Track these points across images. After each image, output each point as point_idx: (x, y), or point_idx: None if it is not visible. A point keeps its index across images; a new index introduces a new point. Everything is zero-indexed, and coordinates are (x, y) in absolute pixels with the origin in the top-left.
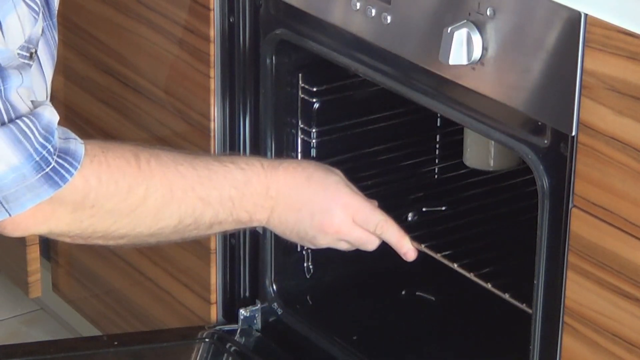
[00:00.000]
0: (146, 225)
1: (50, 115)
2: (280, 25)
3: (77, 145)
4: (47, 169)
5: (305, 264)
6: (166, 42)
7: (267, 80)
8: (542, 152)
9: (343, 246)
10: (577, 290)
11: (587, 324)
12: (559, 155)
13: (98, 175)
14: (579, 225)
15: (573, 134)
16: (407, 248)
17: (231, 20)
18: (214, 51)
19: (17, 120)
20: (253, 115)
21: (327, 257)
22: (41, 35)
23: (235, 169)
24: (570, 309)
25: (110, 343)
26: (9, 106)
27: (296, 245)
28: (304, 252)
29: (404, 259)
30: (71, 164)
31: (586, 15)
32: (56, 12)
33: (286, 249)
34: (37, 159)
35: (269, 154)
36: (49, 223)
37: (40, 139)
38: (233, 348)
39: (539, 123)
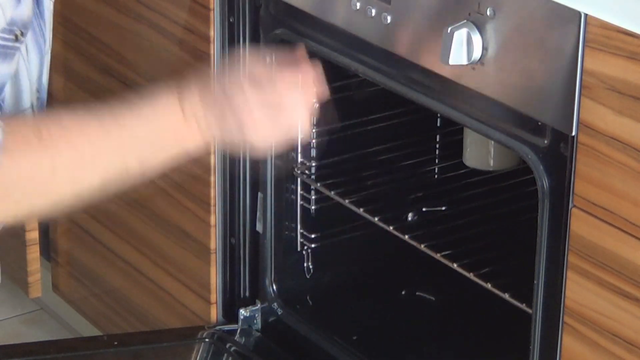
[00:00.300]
0: (66, 193)
1: None
2: (280, 25)
3: None
4: None
5: (305, 264)
6: (166, 42)
7: None
8: (542, 152)
9: (303, 117)
10: (577, 290)
11: (587, 324)
12: (559, 155)
13: None
14: (579, 225)
15: (573, 134)
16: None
17: (231, 20)
18: (214, 51)
19: None
20: None
21: (327, 257)
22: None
23: (138, 109)
24: (570, 309)
25: (110, 343)
26: None
27: (296, 245)
28: (303, 252)
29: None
30: None
31: (586, 15)
32: (49, 3)
33: (286, 249)
34: None
35: (269, 154)
36: None
37: None
38: (233, 348)
39: (539, 123)
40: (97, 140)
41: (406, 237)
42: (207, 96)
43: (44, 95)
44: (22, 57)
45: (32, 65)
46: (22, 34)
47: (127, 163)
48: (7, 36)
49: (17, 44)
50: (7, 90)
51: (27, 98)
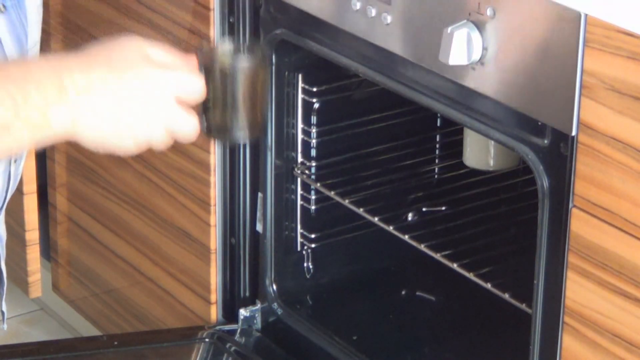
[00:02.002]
0: None
1: None
2: (280, 25)
3: None
4: None
5: (305, 264)
6: (166, 42)
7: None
8: (542, 152)
9: (162, 138)
10: (577, 290)
11: (587, 324)
12: (559, 155)
13: None
14: (579, 225)
15: (573, 134)
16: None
17: (231, 20)
18: None
19: None
20: None
21: (327, 257)
22: (3, 12)
23: (12, 64)
24: (570, 309)
25: (110, 343)
26: None
27: (296, 245)
28: (303, 252)
29: None
30: None
31: (586, 15)
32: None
33: (286, 249)
34: None
35: (268, 154)
36: None
37: None
38: (233, 348)
39: (539, 123)
40: None
41: (406, 237)
42: (102, 78)
43: None
44: None
45: (10, 59)
46: None
47: None
48: None
49: None
50: None
51: None
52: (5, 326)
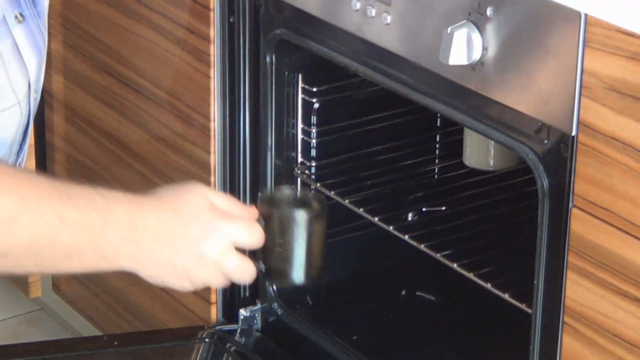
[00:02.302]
0: None
1: None
2: (280, 25)
3: None
4: None
5: None
6: (166, 42)
7: (267, 80)
8: (542, 152)
9: (219, 281)
10: (577, 290)
11: (587, 324)
12: (559, 155)
13: None
14: (579, 225)
15: (573, 134)
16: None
17: (231, 20)
18: (214, 51)
19: None
20: (253, 115)
21: (327, 257)
22: (21, 22)
23: (96, 194)
24: (570, 309)
25: (110, 343)
26: None
27: None
28: None
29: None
30: None
31: (586, 15)
32: (45, 2)
33: None
34: None
35: (269, 154)
36: None
37: None
38: (233, 348)
39: (539, 123)
40: (45, 197)
41: (406, 237)
42: (166, 228)
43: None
44: (0, 64)
45: (30, 68)
46: None
47: (61, 238)
48: None
49: None
50: None
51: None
52: None
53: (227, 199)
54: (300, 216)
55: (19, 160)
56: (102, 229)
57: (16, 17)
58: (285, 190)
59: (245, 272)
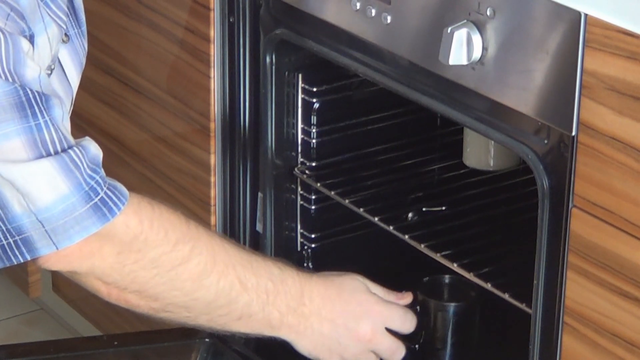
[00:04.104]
0: (183, 289)
1: (96, 149)
2: (280, 25)
3: (121, 185)
4: (96, 199)
5: (305, 264)
6: (166, 42)
7: (267, 80)
8: (542, 152)
9: (371, 358)
10: (577, 290)
11: (587, 324)
12: (559, 155)
13: (150, 219)
14: (579, 225)
15: (573, 134)
16: None
17: (231, 20)
18: (214, 51)
19: (69, 150)
20: (253, 115)
21: (327, 257)
22: (66, 42)
23: (273, 265)
24: (570, 309)
25: (110, 343)
26: (62, 136)
27: (296, 245)
28: (303, 252)
29: None
30: (119, 199)
31: (586, 15)
32: (84, 19)
33: (286, 249)
34: (87, 188)
35: (269, 153)
36: (94, 260)
37: (89, 170)
38: (233, 348)
39: (539, 123)
40: (232, 262)
41: (406, 237)
42: (330, 305)
43: None
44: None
45: (74, 86)
46: (52, 69)
47: (238, 300)
48: (48, 72)
49: (49, 77)
50: None
51: None
52: None
53: (383, 289)
54: (454, 309)
55: None
56: (275, 297)
57: (62, 38)
58: (444, 279)
59: (396, 354)
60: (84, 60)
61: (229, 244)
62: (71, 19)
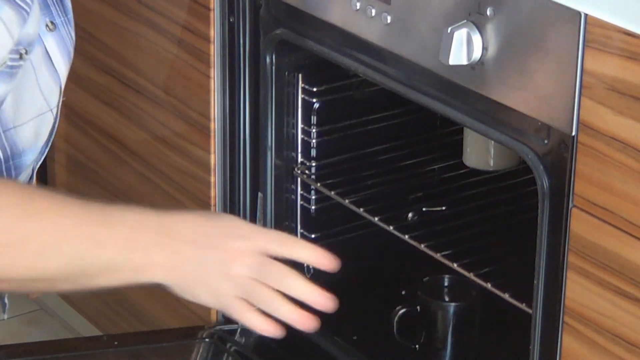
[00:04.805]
0: (31, 266)
1: None
2: (280, 25)
3: None
4: None
5: (305, 265)
6: (166, 42)
7: (267, 80)
8: (542, 152)
9: (260, 291)
10: (577, 290)
11: (587, 324)
12: (559, 155)
13: None
14: (579, 225)
15: (573, 134)
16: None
17: (231, 20)
18: (214, 51)
19: None
20: (253, 115)
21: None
22: (53, 31)
23: (127, 210)
24: (570, 309)
25: (110, 343)
26: None
27: None
28: None
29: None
30: None
31: (586, 15)
32: (70, 7)
33: None
34: None
35: (269, 154)
36: None
37: None
38: (233, 348)
39: (539, 123)
40: (79, 222)
41: (406, 237)
42: (198, 230)
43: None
44: (31, 72)
45: (61, 75)
46: (27, 52)
47: (99, 258)
48: (13, 56)
49: (20, 62)
50: (8, 103)
51: (30, 110)
52: (5, 316)
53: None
54: (455, 308)
55: (38, 163)
56: (137, 242)
57: (47, 25)
58: (444, 279)
59: (288, 279)
60: (72, 50)
61: (76, 206)
62: (57, 7)
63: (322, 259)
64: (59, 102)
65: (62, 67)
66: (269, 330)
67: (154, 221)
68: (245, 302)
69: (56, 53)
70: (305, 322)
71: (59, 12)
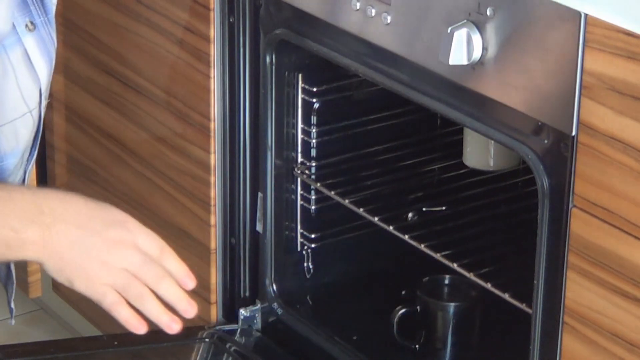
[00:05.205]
0: None
1: None
2: (280, 25)
3: None
4: None
5: (305, 264)
6: (166, 42)
7: (267, 80)
8: (542, 152)
9: (120, 279)
10: (577, 290)
11: (587, 324)
12: (559, 155)
13: None
14: (579, 225)
15: (573, 134)
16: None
17: (231, 20)
18: (214, 51)
19: None
20: (253, 115)
21: (327, 257)
22: (32, 31)
23: None
24: (570, 308)
25: (110, 343)
26: None
27: (296, 245)
28: (303, 252)
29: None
30: None
31: (586, 15)
32: (53, 8)
33: (286, 249)
34: None
35: (269, 154)
36: None
37: None
38: (233, 348)
39: (539, 123)
40: None
41: (406, 237)
42: (76, 210)
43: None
44: (10, 72)
45: (41, 76)
46: None
47: None
48: None
49: None
50: None
51: (9, 111)
52: (13, 322)
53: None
54: (455, 308)
55: (29, 167)
56: (4, 217)
57: (27, 25)
58: (444, 280)
59: (150, 239)
60: (53, 53)
61: None
62: (37, 6)
63: (187, 279)
64: (40, 105)
65: (43, 69)
66: (135, 325)
67: (26, 196)
68: (117, 293)
69: (36, 53)
70: (171, 326)
71: (39, 12)
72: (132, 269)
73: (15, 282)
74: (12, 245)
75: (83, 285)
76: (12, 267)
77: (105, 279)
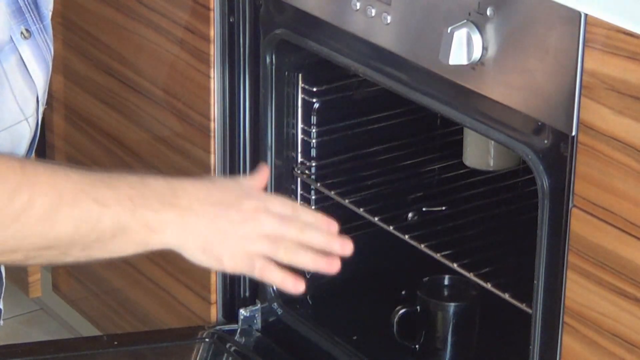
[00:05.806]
0: (38, 233)
1: None
2: (280, 25)
3: None
4: None
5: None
6: (166, 42)
7: (267, 80)
8: (542, 152)
9: (258, 246)
10: (577, 290)
11: (587, 324)
12: (559, 155)
13: None
14: (579, 225)
15: (573, 134)
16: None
17: (231, 20)
18: (214, 51)
19: None
20: (253, 115)
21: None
22: (27, 38)
23: (130, 175)
24: (570, 309)
25: (110, 343)
26: None
27: None
28: None
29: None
30: None
31: (586, 15)
32: (49, 15)
33: None
34: None
35: (269, 153)
36: None
37: None
38: (233, 348)
39: (539, 123)
40: (79, 188)
41: (406, 237)
42: (207, 191)
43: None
44: (5, 80)
45: (38, 84)
46: None
47: (103, 220)
48: None
49: None
50: None
51: (5, 119)
52: (1, 322)
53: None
54: (456, 309)
55: None
56: (142, 200)
57: (22, 33)
58: (444, 280)
59: (283, 205)
60: (50, 62)
61: (74, 172)
62: (32, 14)
63: (326, 224)
64: (37, 113)
65: (39, 77)
66: (292, 284)
67: (159, 181)
68: (263, 260)
69: (32, 61)
70: (331, 266)
71: (35, 19)
72: (272, 233)
73: (4, 282)
74: (153, 226)
75: (232, 261)
76: (2, 268)
77: (249, 249)
